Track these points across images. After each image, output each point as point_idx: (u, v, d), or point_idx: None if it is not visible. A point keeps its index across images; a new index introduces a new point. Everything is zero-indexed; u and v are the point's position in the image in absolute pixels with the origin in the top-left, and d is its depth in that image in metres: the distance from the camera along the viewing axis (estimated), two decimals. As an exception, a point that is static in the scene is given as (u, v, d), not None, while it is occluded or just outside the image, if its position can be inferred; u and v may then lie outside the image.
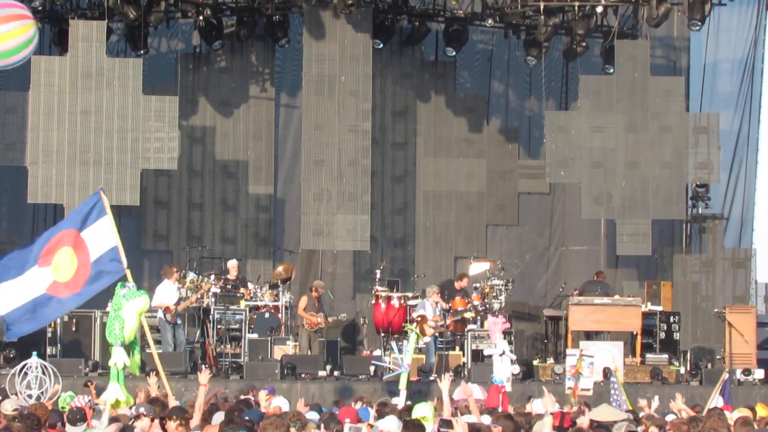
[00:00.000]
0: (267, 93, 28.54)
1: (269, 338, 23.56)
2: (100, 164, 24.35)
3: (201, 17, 26.58)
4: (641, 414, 14.36)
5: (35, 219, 27.13)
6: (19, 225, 27.21)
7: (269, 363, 22.58)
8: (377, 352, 23.94)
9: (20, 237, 25.48)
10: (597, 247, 28.94)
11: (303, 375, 22.26)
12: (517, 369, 19.70)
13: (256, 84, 28.54)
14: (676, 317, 24.46)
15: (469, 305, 24.23)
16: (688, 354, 24.63)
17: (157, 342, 22.57)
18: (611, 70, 26.36)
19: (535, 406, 15.70)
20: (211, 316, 23.50)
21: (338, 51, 25.83)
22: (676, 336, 24.30)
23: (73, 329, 23.22)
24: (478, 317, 24.08)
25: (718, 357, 24.93)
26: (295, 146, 27.99)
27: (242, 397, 16.67)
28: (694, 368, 24.03)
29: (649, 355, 23.89)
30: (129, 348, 14.73)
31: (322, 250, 27.03)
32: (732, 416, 13.48)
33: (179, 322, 22.89)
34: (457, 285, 24.71)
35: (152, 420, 12.35)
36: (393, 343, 19.50)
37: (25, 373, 18.13)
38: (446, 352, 23.51)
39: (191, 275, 23.95)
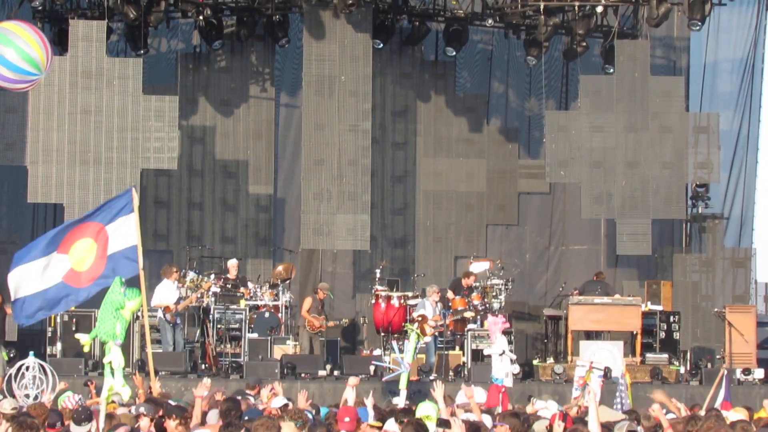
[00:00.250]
0: (267, 93, 28.54)
1: (269, 338, 23.55)
2: (100, 164, 24.36)
3: (201, 17, 26.59)
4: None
5: (35, 219, 27.13)
6: (19, 225, 27.17)
7: (269, 363, 22.59)
8: (377, 352, 23.94)
9: (20, 237, 25.42)
10: (597, 246, 28.95)
11: (303, 375, 22.28)
12: (517, 368, 19.69)
13: (256, 84, 28.54)
14: (676, 317, 24.45)
15: (468, 305, 24.23)
16: (688, 354, 24.61)
17: (157, 342, 22.64)
18: (611, 70, 26.36)
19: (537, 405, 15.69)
20: (211, 316, 23.47)
21: (338, 51, 25.83)
22: (676, 336, 24.28)
23: (73, 329, 23.18)
24: (478, 317, 24.07)
25: (718, 356, 24.91)
26: (295, 146, 27.99)
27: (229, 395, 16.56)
28: (694, 368, 24.02)
29: (649, 355, 23.88)
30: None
31: (322, 249, 27.03)
32: (728, 415, 13.46)
33: (179, 321, 22.87)
34: (464, 283, 24.70)
35: (152, 420, 12.33)
36: (393, 343, 19.48)
37: (23, 374, 18.12)
38: (446, 352, 23.51)
39: (191, 275, 23.94)
